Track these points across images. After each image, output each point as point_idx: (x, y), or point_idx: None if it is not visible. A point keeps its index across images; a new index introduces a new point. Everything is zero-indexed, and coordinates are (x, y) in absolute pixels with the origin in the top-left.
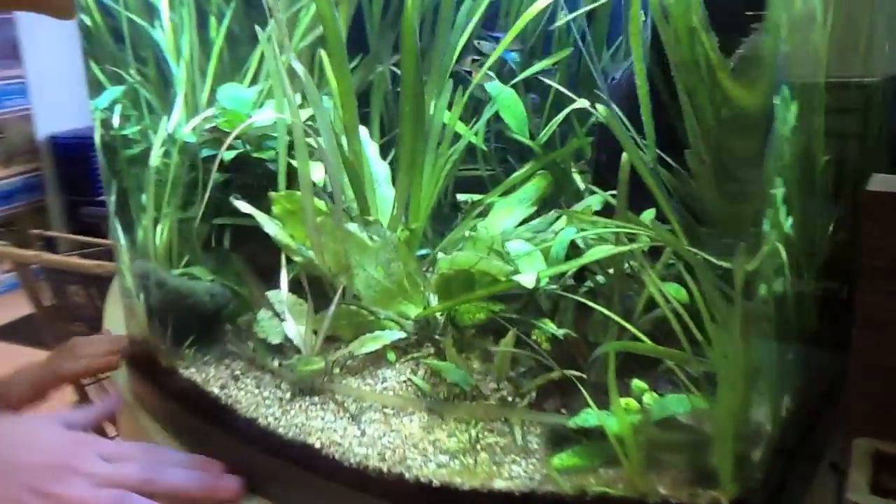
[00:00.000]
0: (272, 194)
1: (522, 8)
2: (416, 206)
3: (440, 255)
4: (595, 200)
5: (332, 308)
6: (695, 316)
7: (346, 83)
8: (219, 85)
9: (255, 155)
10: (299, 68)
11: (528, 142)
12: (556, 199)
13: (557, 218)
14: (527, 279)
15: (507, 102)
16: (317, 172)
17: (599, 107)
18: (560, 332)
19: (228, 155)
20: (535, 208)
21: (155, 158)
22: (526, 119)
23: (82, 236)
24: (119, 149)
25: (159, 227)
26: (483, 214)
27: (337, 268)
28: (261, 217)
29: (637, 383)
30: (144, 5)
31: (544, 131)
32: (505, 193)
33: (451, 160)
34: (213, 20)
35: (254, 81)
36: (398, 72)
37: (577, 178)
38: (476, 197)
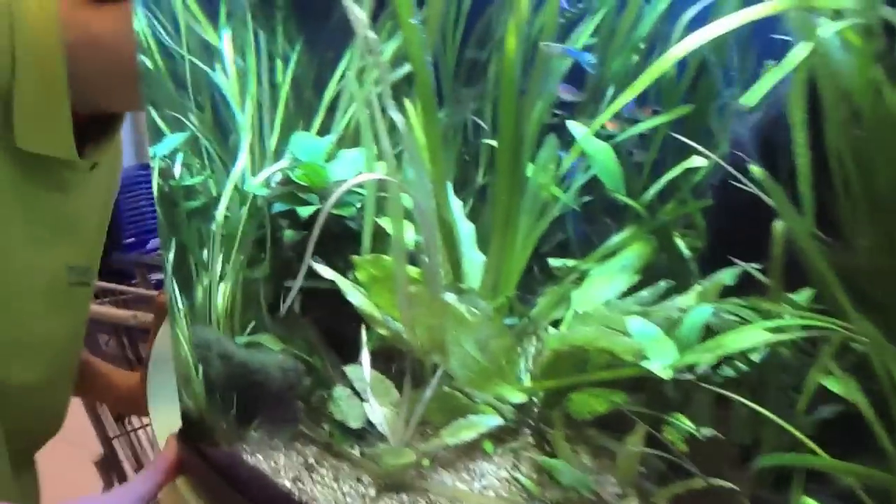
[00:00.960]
0: (356, 259)
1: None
2: (508, 272)
3: (550, 329)
4: (729, 275)
5: (429, 392)
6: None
7: (436, 135)
8: (284, 133)
9: (333, 211)
10: (399, 119)
11: (632, 203)
12: (660, 267)
13: (670, 290)
14: (659, 366)
15: (603, 159)
16: (405, 234)
17: (754, 168)
18: (704, 433)
19: (305, 211)
20: (637, 278)
21: (222, 212)
22: (621, 176)
23: (112, 283)
24: (180, 201)
25: (222, 288)
26: (576, 283)
27: (430, 344)
28: (344, 284)
29: (809, 502)
30: (206, 48)
31: (651, 191)
32: (602, 259)
33: (546, 220)
34: (279, 64)
35: (323, 129)
36: (478, 122)
37: (679, 243)
38: (571, 262)
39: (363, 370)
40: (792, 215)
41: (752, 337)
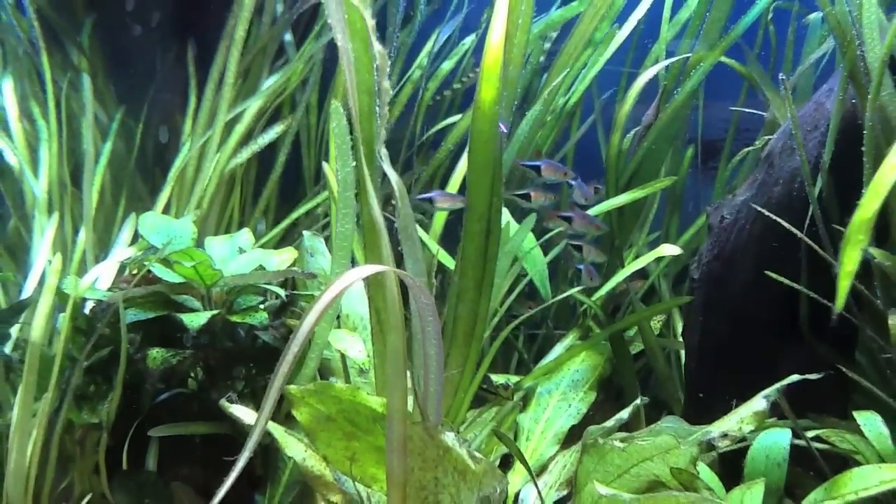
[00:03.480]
0: (293, 391)
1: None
2: (464, 393)
3: (601, 488)
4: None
5: None
6: None
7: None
8: (105, 216)
9: (234, 319)
10: (395, 178)
11: (586, 300)
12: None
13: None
14: None
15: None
16: (355, 348)
17: None
18: None
19: (195, 320)
20: (594, 395)
21: (38, 328)
22: (546, 273)
23: None
24: None
25: (18, 442)
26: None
27: None
28: (278, 432)
29: None
30: None
31: (607, 286)
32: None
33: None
34: (86, 125)
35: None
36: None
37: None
38: (514, 378)
39: None
40: None
41: (887, 477)
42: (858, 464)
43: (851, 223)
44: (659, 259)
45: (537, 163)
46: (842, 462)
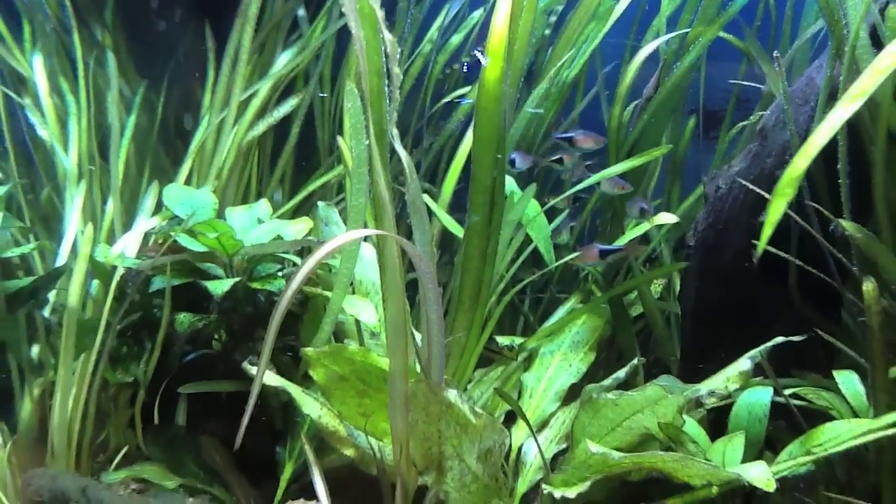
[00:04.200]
0: (309, 353)
1: None
2: (470, 354)
3: (593, 446)
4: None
5: None
6: None
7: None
8: (130, 185)
9: (254, 286)
10: (406, 158)
11: (587, 266)
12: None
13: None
14: (764, 478)
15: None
16: (366, 312)
17: None
18: None
19: (219, 287)
20: (593, 355)
21: (74, 293)
22: (550, 239)
23: None
24: None
25: (60, 399)
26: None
27: (424, 461)
28: (295, 391)
29: None
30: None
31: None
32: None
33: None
34: (111, 100)
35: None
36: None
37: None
38: (518, 339)
39: None
40: None
41: (856, 431)
42: (835, 419)
43: (781, 179)
44: (660, 226)
45: (570, 134)
46: (825, 418)
